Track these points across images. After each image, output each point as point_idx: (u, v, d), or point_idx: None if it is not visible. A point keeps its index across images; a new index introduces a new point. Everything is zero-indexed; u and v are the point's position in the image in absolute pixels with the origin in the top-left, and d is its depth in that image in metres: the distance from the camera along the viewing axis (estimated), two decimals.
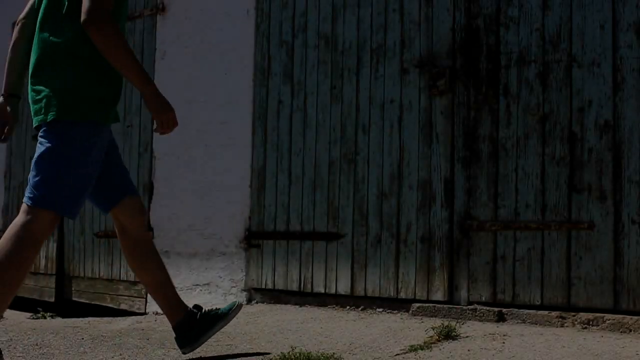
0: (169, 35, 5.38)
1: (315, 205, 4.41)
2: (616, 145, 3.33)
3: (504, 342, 3.06)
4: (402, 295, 3.94)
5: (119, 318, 4.54)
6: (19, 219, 2.70)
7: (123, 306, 5.41)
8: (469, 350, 2.95)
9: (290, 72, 4.60)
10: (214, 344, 3.37)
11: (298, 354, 2.91)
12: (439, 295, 3.80)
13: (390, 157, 4.07)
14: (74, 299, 5.95)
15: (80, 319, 4.60)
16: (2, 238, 2.68)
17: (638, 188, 3.26)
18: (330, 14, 4.42)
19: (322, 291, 4.30)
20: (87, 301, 5.80)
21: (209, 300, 4.74)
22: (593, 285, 3.34)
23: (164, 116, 2.83)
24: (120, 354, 3.17)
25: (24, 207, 2.72)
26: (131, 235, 3.03)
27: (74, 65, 2.76)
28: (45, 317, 5.24)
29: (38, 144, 2.77)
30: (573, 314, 3.34)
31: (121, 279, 5.47)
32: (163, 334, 3.71)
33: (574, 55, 3.48)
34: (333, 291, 4.24)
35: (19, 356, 3.15)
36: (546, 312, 3.41)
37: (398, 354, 2.99)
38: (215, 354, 3.14)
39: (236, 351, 3.22)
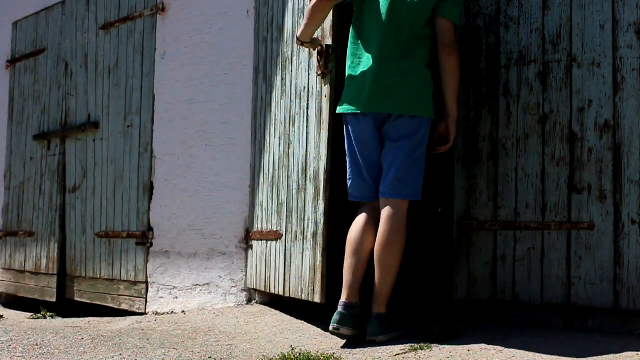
0: (169, 35, 5.39)
1: None
2: (616, 145, 3.33)
3: (504, 342, 3.06)
4: None
5: (119, 318, 4.54)
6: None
7: (124, 306, 5.42)
8: (469, 351, 2.95)
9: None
10: (214, 344, 3.38)
11: (298, 354, 2.92)
12: (317, 297, 3.64)
13: None
14: (75, 298, 5.95)
15: (80, 319, 4.61)
16: (386, 234, 3.26)
17: (638, 188, 3.26)
18: None
19: None
20: (88, 301, 5.81)
21: (209, 300, 4.74)
22: (593, 285, 3.34)
23: (453, 139, 3.46)
24: (120, 354, 3.17)
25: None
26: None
27: None
28: (45, 317, 5.25)
29: None
30: (573, 313, 3.34)
31: (122, 279, 5.47)
32: (163, 334, 3.71)
33: (574, 55, 3.47)
34: None
35: (19, 356, 3.15)
36: (546, 312, 3.41)
37: (398, 354, 2.99)
38: (216, 354, 3.14)
39: (236, 351, 3.22)
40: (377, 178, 3.42)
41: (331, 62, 3.63)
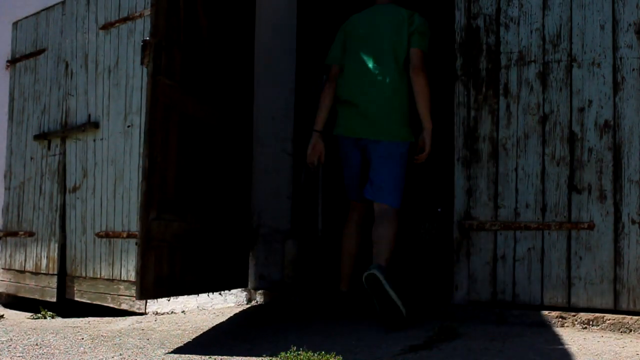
0: None
1: None
2: (616, 145, 3.33)
3: (504, 342, 3.06)
4: None
5: (119, 318, 4.55)
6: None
7: (124, 306, 5.42)
8: (469, 350, 2.95)
9: None
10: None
11: (298, 354, 2.92)
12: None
13: None
14: (75, 298, 5.95)
15: (80, 319, 4.61)
16: (385, 234, 3.67)
17: (638, 188, 3.26)
18: None
19: None
20: (88, 301, 5.81)
21: (209, 300, 4.74)
22: (593, 285, 3.34)
23: (429, 150, 3.81)
24: (120, 354, 3.17)
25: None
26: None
27: None
28: (45, 317, 5.25)
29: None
30: (573, 314, 3.34)
31: (122, 279, 5.47)
32: (163, 334, 3.71)
33: (574, 55, 3.48)
34: None
35: (19, 356, 3.15)
36: (546, 312, 3.41)
37: (398, 354, 2.99)
38: (216, 353, 3.14)
39: (236, 350, 3.22)
40: (359, 183, 3.93)
41: (147, 56, 3.55)
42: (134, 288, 5.34)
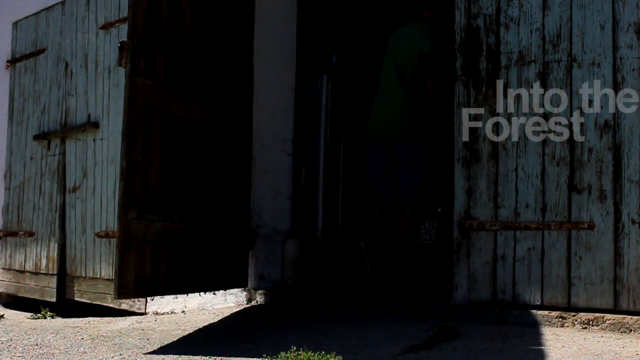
0: None
1: None
2: (616, 145, 3.33)
3: (504, 342, 3.06)
4: None
5: (119, 318, 4.55)
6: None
7: (124, 306, 5.41)
8: (469, 350, 2.95)
9: None
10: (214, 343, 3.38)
11: (298, 354, 2.92)
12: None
13: None
14: (75, 298, 5.95)
15: (80, 319, 4.61)
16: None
17: (638, 188, 3.27)
18: None
19: None
20: (88, 301, 5.80)
21: (209, 300, 4.74)
22: (593, 285, 3.34)
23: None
24: (120, 354, 3.17)
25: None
26: None
27: None
28: (45, 317, 5.25)
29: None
30: (573, 314, 3.34)
31: None
32: (163, 334, 3.71)
33: (574, 55, 3.48)
34: None
35: (19, 356, 3.15)
36: (546, 312, 3.41)
37: (398, 354, 2.99)
38: (216, 354, 3.14)
39: (236, 351, 3.22)
40: (389, 181, 4.54)
41: (124, 57, 3.47)
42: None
